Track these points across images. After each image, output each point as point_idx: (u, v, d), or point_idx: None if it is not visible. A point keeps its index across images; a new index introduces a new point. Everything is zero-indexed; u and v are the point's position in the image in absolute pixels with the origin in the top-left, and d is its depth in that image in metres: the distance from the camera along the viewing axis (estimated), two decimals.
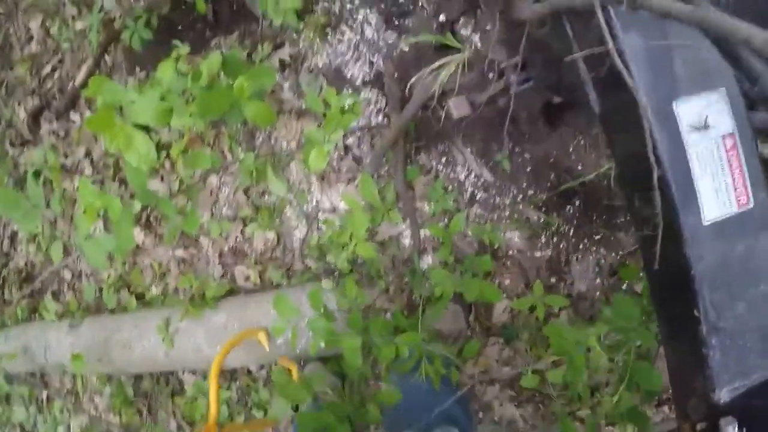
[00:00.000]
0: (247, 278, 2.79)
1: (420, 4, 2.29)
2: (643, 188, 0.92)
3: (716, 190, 0.93)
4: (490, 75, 1.65)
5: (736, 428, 0.90)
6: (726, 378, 0.96)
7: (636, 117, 0.89)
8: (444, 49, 1.99)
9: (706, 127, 0.91)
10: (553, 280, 2.36)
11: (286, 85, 2.61)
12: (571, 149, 2.22)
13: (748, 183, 0.95)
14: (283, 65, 2.62)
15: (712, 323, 0.95)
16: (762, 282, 0.97)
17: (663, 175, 0.91)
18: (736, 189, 0.94)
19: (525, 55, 1.32)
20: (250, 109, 1.39)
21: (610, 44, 0.80)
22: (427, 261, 2.46)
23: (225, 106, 1.37)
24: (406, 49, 2.33)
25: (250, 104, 1.39)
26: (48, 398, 3.60)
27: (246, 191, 2.78)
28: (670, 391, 1.09)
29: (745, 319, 0.96)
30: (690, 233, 0.93)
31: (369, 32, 2.41)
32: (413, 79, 2.00)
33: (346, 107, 1.51)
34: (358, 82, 2.46)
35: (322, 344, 1.60)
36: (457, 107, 1.83)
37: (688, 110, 0.91)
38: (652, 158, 0.81)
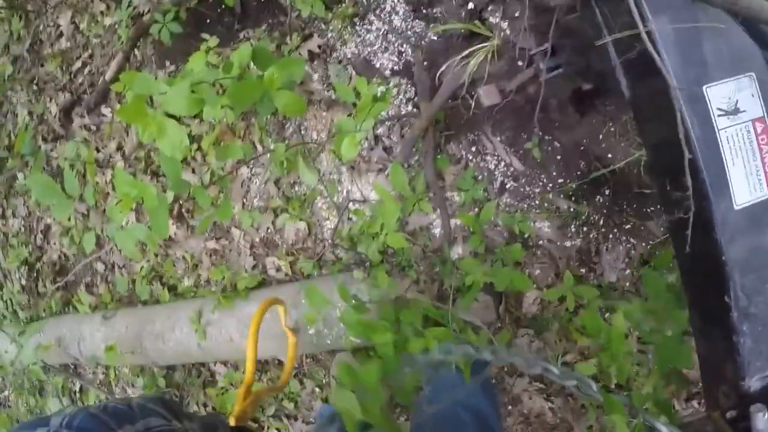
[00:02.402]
0: (279, 269, 2.79)
1: None
2: (674, 172, 0.91)
3: (747, 175, 0.91)
4: (520, 62, 1.64)
5: (767, 415, 0.89)
6: (757, 366, 0.94)
7: (666, 101, 0.88)
8: (473, 37, 1.98)
9: (736, 111, 0.90)
10: (583, 270, 2.34)
11: (316, 76, 2.61)
12: (600, 137, 2.21)
13: None
14: (312, 56, 2.62)
15: (743, 309, 0.93)
16: None
17: (695, 160, 0.90)
18: (767, 174, 0.93)
19: (554, 42, 1.31)
20: (281, 99, 1.40)
21: (641, 27, 0.79)
22: (458, 251, 2.45)
23: (256, 96, 1.38)
24: (435, 37, 2.32)
25: (281, 94, 1.40)
26: (81, 390, 3.66)
27: (277, 182, 2.79)
28: (700, 384, 1.07)
29: None
30: (721, 218, 0.91)
31: (397, 22, 2.41)
32: (443, 68, 2.00)
33: (378, 95, 1.51)
34: (387, 71, 2.46)
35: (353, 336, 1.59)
36: (487, 95, 1.82)
37: (718, 94, 0.90)
38: (683, 142, 0.81)
